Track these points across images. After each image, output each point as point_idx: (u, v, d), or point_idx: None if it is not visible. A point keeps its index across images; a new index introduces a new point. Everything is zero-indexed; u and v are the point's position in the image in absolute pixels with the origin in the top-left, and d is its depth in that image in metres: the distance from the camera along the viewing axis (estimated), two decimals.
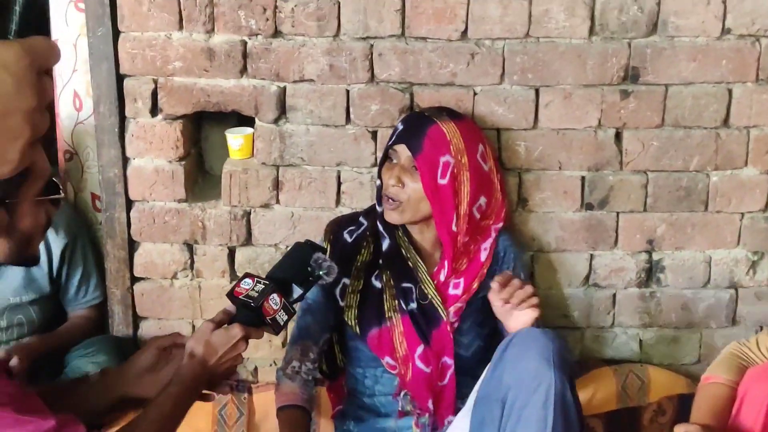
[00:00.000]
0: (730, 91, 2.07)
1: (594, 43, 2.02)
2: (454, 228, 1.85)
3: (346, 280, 1.91)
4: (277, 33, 2.02)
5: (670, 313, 2.23)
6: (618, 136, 2.10)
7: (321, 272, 1.68)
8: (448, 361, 1.86)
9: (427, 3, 1.99)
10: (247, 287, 1.61)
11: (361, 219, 1.98)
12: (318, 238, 1.99)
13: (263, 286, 1.60)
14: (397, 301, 1.88)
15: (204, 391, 1.57)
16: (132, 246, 2.19)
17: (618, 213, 2.15)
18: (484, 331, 1.93)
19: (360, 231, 1.96)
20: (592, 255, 2.18)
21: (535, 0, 1.98)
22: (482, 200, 1.89)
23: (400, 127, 1.90)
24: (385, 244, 1.92)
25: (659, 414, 2.13)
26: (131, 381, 1.55)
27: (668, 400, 2.13)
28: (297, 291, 1.68)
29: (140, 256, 2.20)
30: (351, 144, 2.10)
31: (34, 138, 0.78)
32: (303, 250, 1.72)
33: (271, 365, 2.23)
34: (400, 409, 1.89)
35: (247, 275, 1.65)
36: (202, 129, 2.27)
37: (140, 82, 2.07)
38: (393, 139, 1.89)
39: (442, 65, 2.03)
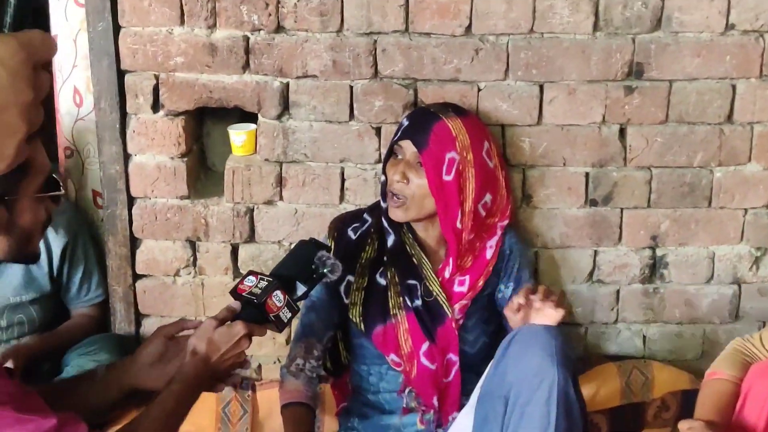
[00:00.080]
0: (734, 87, 2.06)
1: (598, 39, 2.02)
2: (458, 225, 1.85)
3: (350, 277, 1.91)
4: (279, 28, 2.01)
5: (673, 309, 2.22)
6: (622, 132, 2.09)
7: (325, 270, 1.68)
8: (453, 358, 1.86)
9: None
10: (251, 284, 1.60)
11: (366, 216, 1.98)
12: (322, 234, 1.98)
13: (267, 284, 1.60)
14: (401, 299, 1.87)
15: None
16: (134, 243, 2.18)
17: (622, 209, 2.14)
18: (490, 328, 1.92)
19: (364, 228, 1.95)
20: (596, 251, 2.18)
21: None
22: (487, 197, 1.89)
23: (406, 122, 1.89)
24: (390, 240, 1.91)
25: (663, 410, 2.13)
26: (140, 373, 1.53)
27: (672, 395, 2.13)
28: (301, 289, 1.67)
29: (142, 253, 2.19)
30: (355, 140, 2.09)
31: (30, 132, 0.77)
32: (307, 248, 1.72)
33: (275, 363, 2.22)
34: (404, 406, 1.89)
35: (250, 272, 1.64)
36: (204, 125, 2.25)
37: (141, 77, 2.06)
38: (398, 134, 1.88)
39: (446, 61, 2.02)
